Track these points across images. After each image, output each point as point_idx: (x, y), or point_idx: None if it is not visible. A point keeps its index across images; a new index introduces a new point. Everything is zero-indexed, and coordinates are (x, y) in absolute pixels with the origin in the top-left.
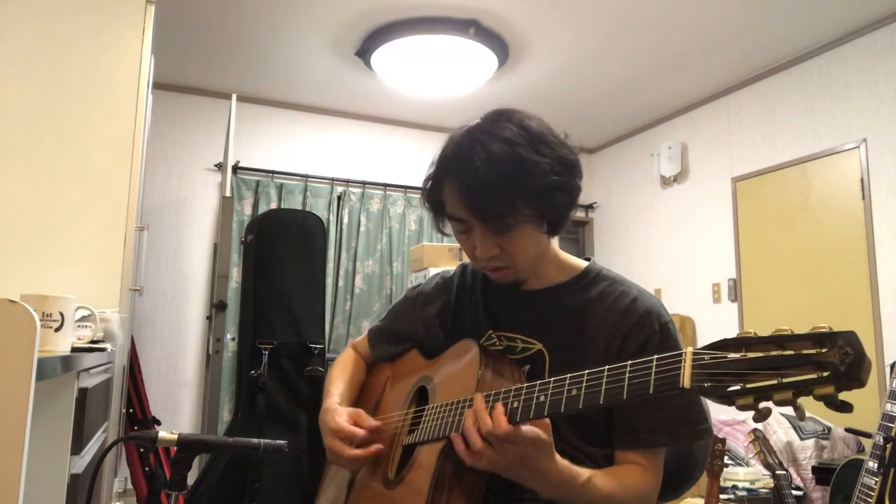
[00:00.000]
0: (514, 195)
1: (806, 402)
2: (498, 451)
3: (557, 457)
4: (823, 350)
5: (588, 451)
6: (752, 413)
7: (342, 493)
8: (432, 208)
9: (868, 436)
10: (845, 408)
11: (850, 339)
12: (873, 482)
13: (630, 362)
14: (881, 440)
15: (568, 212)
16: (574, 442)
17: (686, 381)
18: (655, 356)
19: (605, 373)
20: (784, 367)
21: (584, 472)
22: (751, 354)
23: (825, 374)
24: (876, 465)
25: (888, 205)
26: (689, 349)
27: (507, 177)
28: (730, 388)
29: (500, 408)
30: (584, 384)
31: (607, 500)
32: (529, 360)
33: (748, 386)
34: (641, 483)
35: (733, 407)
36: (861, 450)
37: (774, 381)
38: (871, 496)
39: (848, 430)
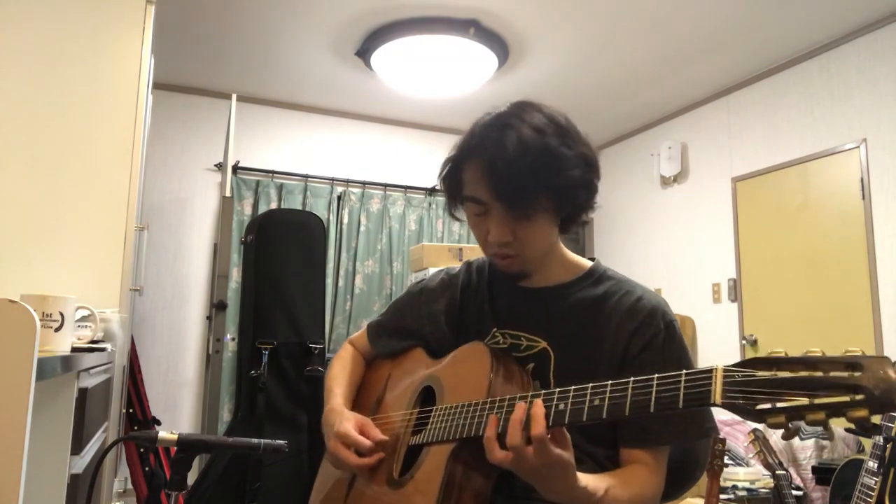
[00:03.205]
0: (539, 184)
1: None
2: (526, 455)
3: (579, 474)
4: (856, 374)
5: (590, 451)
6: (770, 428)
7: (341, 492)
8: (450, 188)
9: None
10: (875, 430)
11: (885, 364)
12: (873, 482)
13: (657, 375)
14: (881, 440)
15: (585, 209)
16: (578, 442)
17: (717, 396)
18: (684, 371)
19: (631, 384)
20: (816, 388)
21: (600, 487)
22: (781, 374)
23: (858, 397)
24: (876, 465)
25: (888, 205)
26: (720, 365)
27: (535, 164)
28: (760, 406)
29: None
30: (608, 394)
31: None
32: (534, 357)
33: (779, 405)
34: (649, 486)
35: (763, 424)
36: (861, 450)
37: (806, 402)
38: (871, 496)
39: (848, 430)
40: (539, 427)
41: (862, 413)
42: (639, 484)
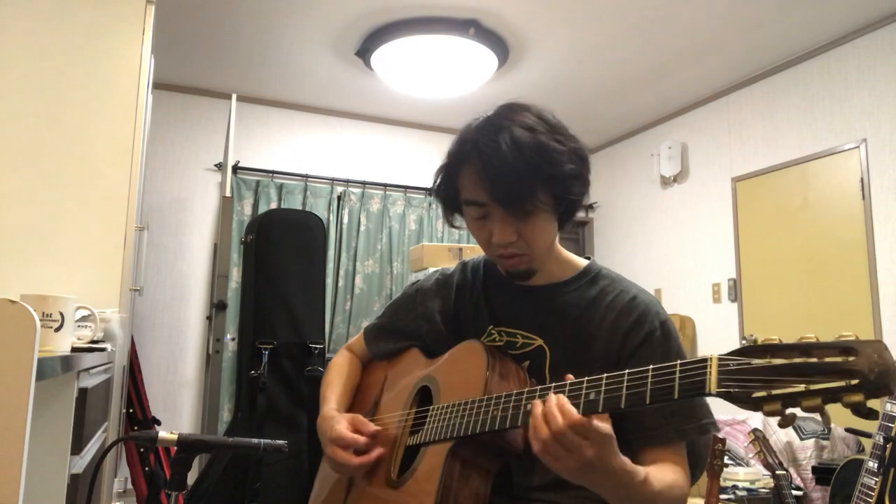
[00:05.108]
0: (535, 180)
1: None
2: (574, 445)
3: (619, 454)
4: (850, 359)
5: None
6: (766, 416)
7: (340, 494)
8: (446, 196)
9: (868, 436)
10: (872, 415)
11: (879, 348)
12: (873, 482)
13: (652, 367)
14: (881, 440)
15: (580, 202)
16: None
17: (713, 386)
18: (679, 361)
19: (626, 376)
20: (811, 374)
21: (640, 471)
22: (775, 361)
23: (854, 382)
24: (876, 465)
25: (888, 205)
26: (715, 355)
27: (530, 162)
28: (755, 395)
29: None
30: (604, 388)
31: (657, 498)
32: (529, 355)
33: (774, 392)
34: (681, 479)
35: (760, 413)
36: (861, 450)
37: (802, 388)
38: (871, 496)
39: (848, 430)
40: (573, 416)
41: (857, 398)
42: (671, 476)
